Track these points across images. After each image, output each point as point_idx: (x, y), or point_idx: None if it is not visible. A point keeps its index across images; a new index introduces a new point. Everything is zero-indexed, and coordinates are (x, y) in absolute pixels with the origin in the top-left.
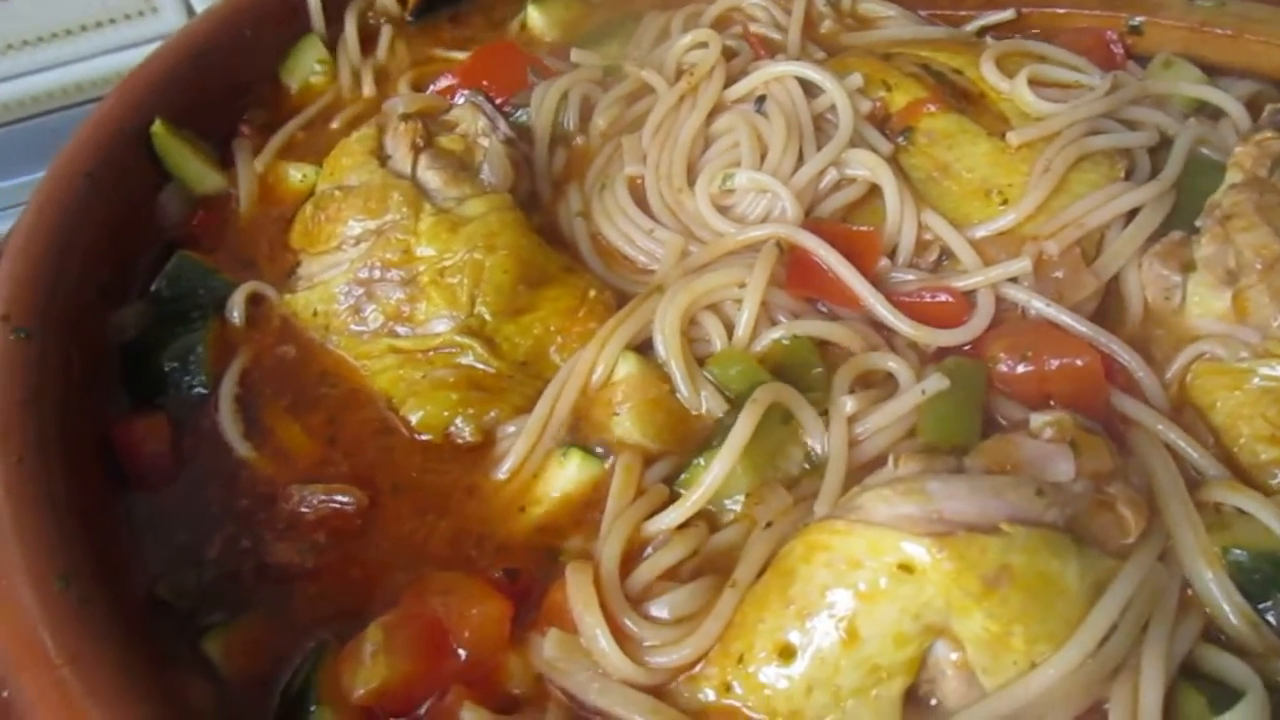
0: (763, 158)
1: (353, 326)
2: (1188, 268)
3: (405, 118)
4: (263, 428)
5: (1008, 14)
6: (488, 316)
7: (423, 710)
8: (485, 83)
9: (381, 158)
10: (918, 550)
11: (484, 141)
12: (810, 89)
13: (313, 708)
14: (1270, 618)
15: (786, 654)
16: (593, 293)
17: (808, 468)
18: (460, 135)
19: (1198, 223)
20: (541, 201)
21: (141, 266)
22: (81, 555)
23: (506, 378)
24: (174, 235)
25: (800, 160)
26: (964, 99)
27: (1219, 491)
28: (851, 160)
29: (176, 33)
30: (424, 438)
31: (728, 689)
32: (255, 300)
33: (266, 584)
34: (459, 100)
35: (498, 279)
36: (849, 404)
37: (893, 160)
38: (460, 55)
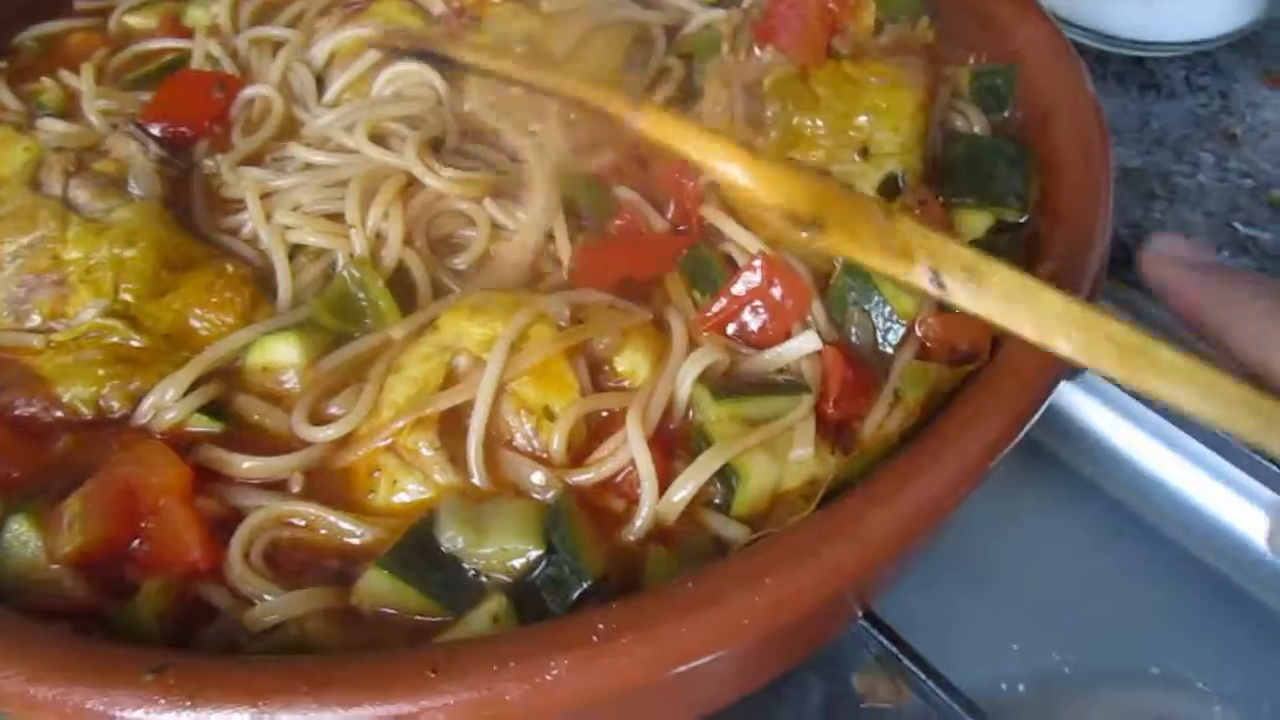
0: None
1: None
2: None
3: (57, 150)
4: None
5: None
6: (131, 300)
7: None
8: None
9: (35, 185)
10: None
11: (134, 162)
12: None
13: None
14: None
15: None
16: (230, 268)
17: None
18: (114, 160)
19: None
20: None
21: None
22: None
23: (152, 350)
24: None
25: None
26: None
27: None
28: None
29: None
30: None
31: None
32: None
33: None
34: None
35: (139, 267)
36: None
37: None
38: None
